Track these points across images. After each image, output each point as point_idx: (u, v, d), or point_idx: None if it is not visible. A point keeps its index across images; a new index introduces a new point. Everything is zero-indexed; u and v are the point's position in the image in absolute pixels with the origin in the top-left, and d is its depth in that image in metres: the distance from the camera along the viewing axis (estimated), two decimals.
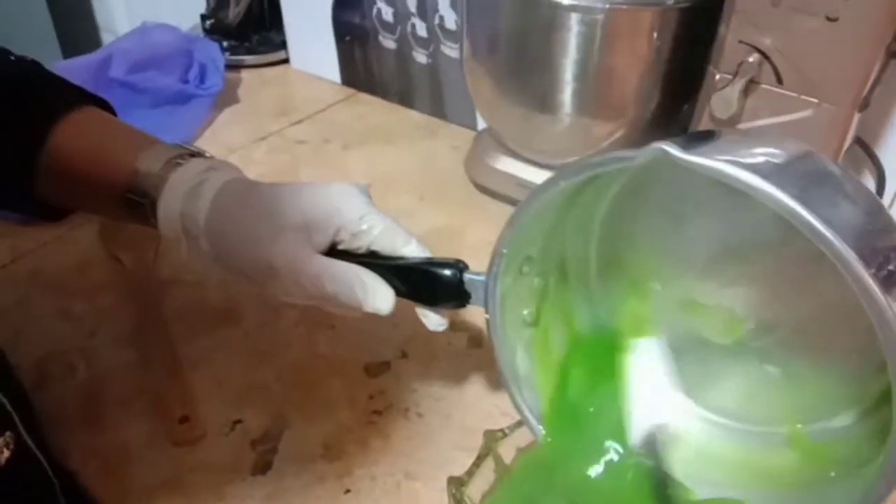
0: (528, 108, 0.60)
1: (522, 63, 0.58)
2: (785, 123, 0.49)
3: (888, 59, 0.47)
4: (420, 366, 0.51)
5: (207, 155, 0.45)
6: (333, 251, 0.40)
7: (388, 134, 0.79)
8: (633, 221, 0.39)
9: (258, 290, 0.41)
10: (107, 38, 1.34)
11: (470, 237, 0.63)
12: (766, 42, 0.48)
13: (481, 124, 0.75)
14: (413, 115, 0.83)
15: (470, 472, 0.38)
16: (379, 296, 0.39)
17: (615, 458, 0.39)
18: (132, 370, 0.51)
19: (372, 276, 0.39)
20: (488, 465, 0.39)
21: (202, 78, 0.81)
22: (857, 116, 0.49)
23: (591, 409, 0.40)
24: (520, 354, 0.40)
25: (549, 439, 0.39)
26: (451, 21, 0.74)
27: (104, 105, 0.47)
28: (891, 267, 0.25)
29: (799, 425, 0.36)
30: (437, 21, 0.75)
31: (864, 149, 0.58)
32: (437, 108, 0.81)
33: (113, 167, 0.42)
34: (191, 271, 0.57)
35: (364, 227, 0.40)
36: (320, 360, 0.51)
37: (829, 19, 0.45)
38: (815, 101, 0.48)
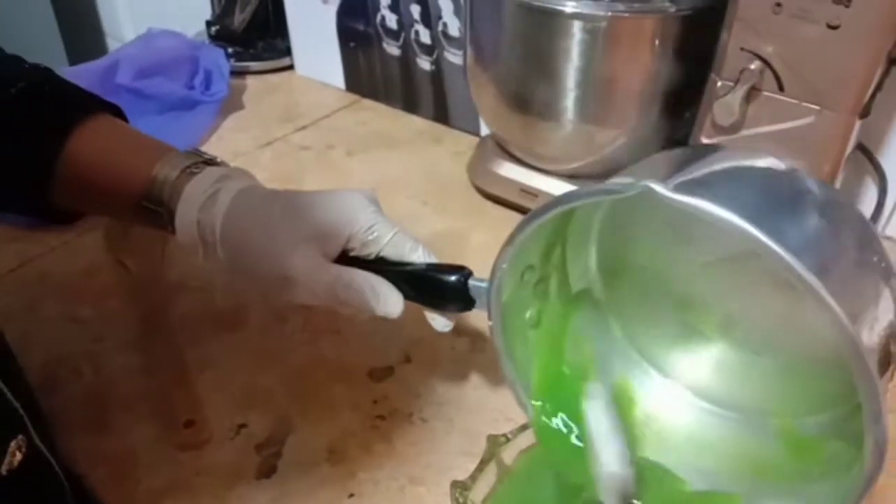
0: (530, 115, 0.60)
1: (525, 70, 0.58)
2: (786, 130, 0.50)
3: (889, 65, 0.48)
4: (424, 370, 0.51)
5: (220, 161, 0.46)
6: (344, 258, 0.42)
7: (392, 140, 0.80)
8: (631, 224, 0.40)
9: (270, 295, 0.42)
10: (113, 44, 1.35)
11: (473, 242, 0.64)
12: (767, 49, 0.48)
13: (484, 130, 0.76)
14: (416, 121, 0.83)
15: (473, 477, 0.38)
16: (390, 301, 0.40)
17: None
18: (138, 374, 0.51)
19: (382, 282, 0.40)
20: (492, 470, 0.39)
21: (207, 84, 0.81)
22: (858, 123, 0.49)
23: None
24: (522, 356, 0.41)
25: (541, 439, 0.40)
26: (454, 28, 0.74)
27: (117, 111, 0.48)
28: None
29: (789, 418, 0.36)
30: (440, 28, 0.75)
31: (866, 155, 0.58)
32: (441, 114, 0.81)
33: (129, 175, 0.43)
34: (197, 277, 0.58)
35: (374, 235, 0.41)
36: (324, 364, 0.52)
37: (830, 27, 0.45)
38: (817, 107, 0.49)
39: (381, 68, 0.84)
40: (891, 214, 0.62)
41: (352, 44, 0.85)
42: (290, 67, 0.93)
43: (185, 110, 0.78)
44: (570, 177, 0.63)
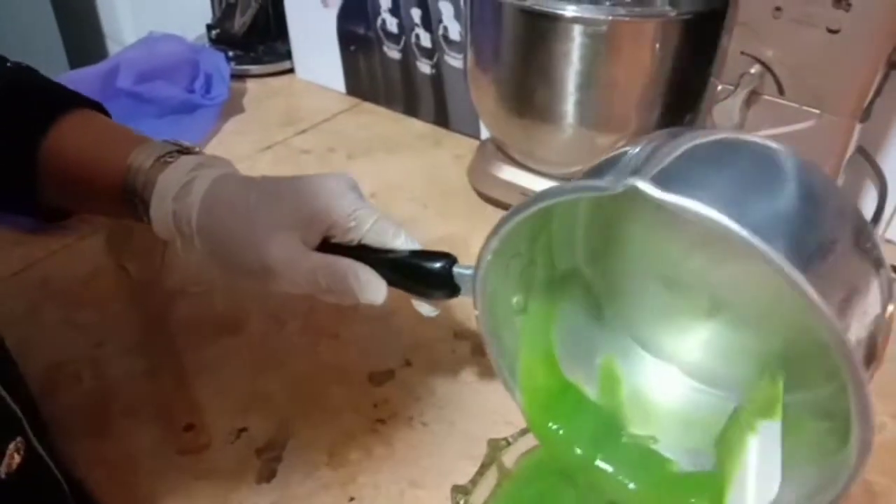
0: (531, 119, 0.60)
1: (526, 74, 0.58)
2: (787, 134, 0.50)
3: (889, 69, 0.48)
4: (424, 374, 0.51)
5: (197, 150, 0.45)
6: (326, 245, 0.41)
7: (393, 143, 0.80)
8: (616, 208, 0.40)
9: (254, 284, 0.41)
10: (113, 47, 1.35)
11: (473, 246, 0.63)
12: (768, 53, 0.49)
13: (485, 134, 0.76)
14: (417, 125, 0.83)
15: (474, 481, 0.38)
16: (372, 287, 0.39)
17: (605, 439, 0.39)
18: (138, 379, 0.51)
19: (365, 269, 0.40)
20: (492, 474, 0.39)
21: (208, 87, 0.81)
22: (858, 127, 0.49)
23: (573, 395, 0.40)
24: (511, 343, 0.40)
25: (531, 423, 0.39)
26: (454, 32, 0.74)
27: (99, 109, 0.48)
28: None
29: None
30: (441, 32, 0.75)
31: (867, 159, 0.58)
32: (441, 118, 0.81)
33: (107, 168, 0.43)
34: (197, 282, 0.58)
35: (355, 221, 0.40)
36: (324, 368, 0.52)
37: (830, 31, 0.45)
38: (817, 111, 0.49)
39: (381, 72, 0.84)
40: (891, 218, 0.62)
41: (352, 47, 0.85)
42: (291, 71, 0.93)
43: (185, 114, 0.78)
44: (570, 180, 0.63)
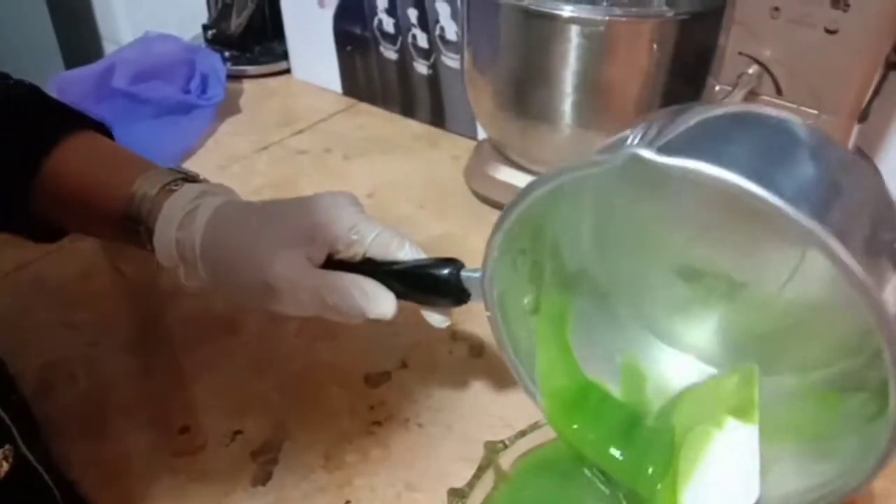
0: (528, 119, 0.60)
1: (523, 74, 0.58)
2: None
3: (887, 70, 0.48)
4: (421, 376, 0.51)
5: (202, 178, 0.45)
6: (330, 262, 0.41)
7: (389, 144, 0.79)
8: (621, 198, 0.39)
9: (259, 308, 0.41)
10: (109, 48, 1.35)
11: (470, 247, 0.63)
12: (765, 53, 0.48)
13: (481, 134, 0.76)
14: (414, 126, 0.83)
15: (470, 484, 0.38)
16: (380, 301, 0.39)
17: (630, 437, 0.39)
18: (133, 380, 0.51)
19: (370, 282, 0.39)
20: (489, 477, 0.39)
21: (204, 88, 0.81)
22: (856, 127, 0.49)
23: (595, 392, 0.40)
24: (526, 343, 0.40)
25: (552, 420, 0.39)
26: (451, 32, 0.74)
27: (103, 129, 0.47)
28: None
29: (804, 374, 0.35)
30: (437, 32, 0.75)
31: (865, 159, 0.58)
32: (438, 119, 0.81)
33: (110, 193, 0.43)
34: None
35: (357, 235, 0.40)
36: (321, 370, 0.51)
37: (828, 31, 0.45)
38: (815, 112, 0.48)
39: (378, 72, 0.84)
40: None
41: (349, 48, 0.84)
42: (287, 71, 0.93)
43: (181, 114, 0.78)
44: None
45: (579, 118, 0.58)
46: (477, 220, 0.67)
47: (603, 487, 0.40)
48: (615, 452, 0.38)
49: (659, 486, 0.36)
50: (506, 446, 0.40)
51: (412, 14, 0.76)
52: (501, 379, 0.50)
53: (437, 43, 0.76)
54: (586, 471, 0.40)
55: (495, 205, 0.68)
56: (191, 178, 0.44)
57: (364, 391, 0.50)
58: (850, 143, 0.50)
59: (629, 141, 0.28)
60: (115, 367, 0.51)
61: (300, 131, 0.82)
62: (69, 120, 0.45)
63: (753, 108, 0.32)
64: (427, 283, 0.40)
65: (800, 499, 0.33)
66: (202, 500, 0.43)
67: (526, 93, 0.58)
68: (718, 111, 0.32)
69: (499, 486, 0.39)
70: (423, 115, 0.82)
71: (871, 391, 0.30)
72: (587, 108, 0.57)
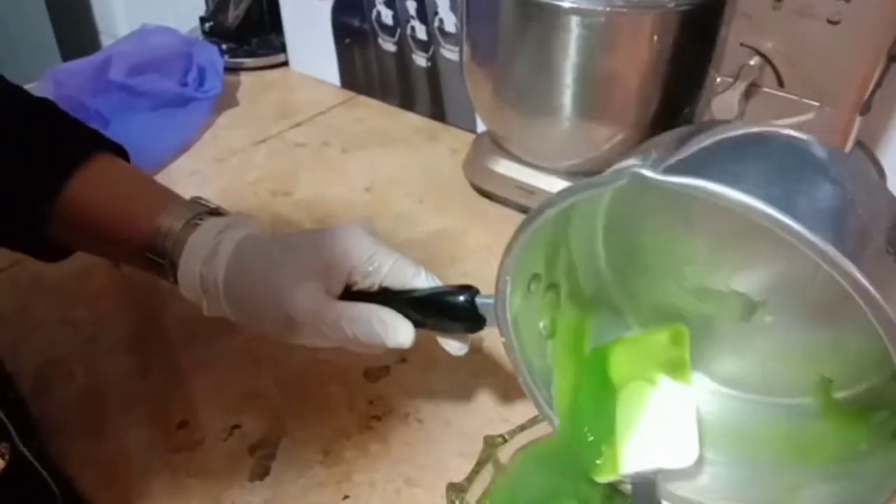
0: (527, 112, 0.59)
1: (522, 66, 0.57)
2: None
3: (889, 62, 0.47)
4: (420, 371, 0.51)
5: (223, 210, 0.45)
6: (348, 293, 0.41)
7: (388, 137, 0.79)
8: (635, 218, 0.39)
9: (282, 341, 0.41)
10: (106, 40, 1.34)
11: (470, 240, 0.63)
12: (767, 45, 0.48)
13: (481, 127, 0.75)
14: (413, 118, 0.82)
15: (470, 479, 0.38)
16: (399, 331, 0.39)
17: None
18: (131, 376, 0.51)
19: (389, 312, 0.39)
20: (488, 471, 0.39)
21: (201, 81, 0.80)
22: (858, 119, 0.49)
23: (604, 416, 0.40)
24: (542, 367, 0.40)
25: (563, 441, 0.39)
26: (450, 24, 0.74)
27: (118, 149, 0.47)
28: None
29: (827, 394, 0.35)
30: (436, 24, 0.75)
31: (866, 152, 0.58)
32: (437, 111, 0.81)
33: (132, 224, 0.43)
34: None
35: (374, 265, 0.40)
36: (319, 365, 0.51)
37: (830, 23, 0.45)
38: (817, 104, 0.48)
39: (376, 65, 0.83)
40: None
41: (347, 40, 0.84)
42: (285, 64, 0.92)
43: (178, 107, 0.77)
44: (567, 174, 0.62)
45: (579, 110, 0.57)
46: (476, 214, 0.67)
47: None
48: None
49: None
50: (505, 440, 0.39)
51: (411, 6, 0.75)
52: (500, 374, 0.49)
53: (436, 35, 0.75)
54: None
55: (494, 198, 0.67)
56: (214, 211, 0.44)
57: (363, 386, 0.50)
58: (852, 136, 0.50)
59: (637, 161, 0.29)
60: (113, 364, 0.51)
61: (298, 124, 0.81)
62: (87, 142, 0.45)
63: (765, 128, 0.32)
64: (443, 310, 0.41)
65: None
66: (200, 495, 0.43)
67: (525, 85, 0.58)
68: (732, 132, 0.32)
69: (498, 480, 0.39)
70: (422, 108, 0.82)
71: (893, 408, 0.30)
72: (587, 100, 0.57)
